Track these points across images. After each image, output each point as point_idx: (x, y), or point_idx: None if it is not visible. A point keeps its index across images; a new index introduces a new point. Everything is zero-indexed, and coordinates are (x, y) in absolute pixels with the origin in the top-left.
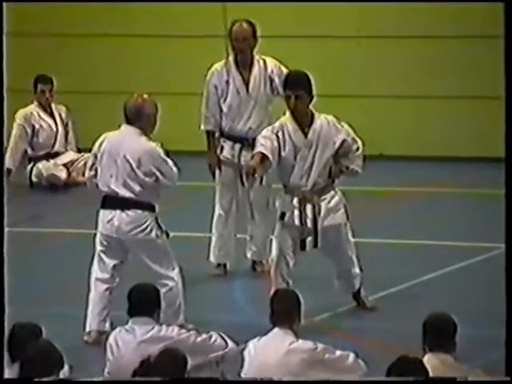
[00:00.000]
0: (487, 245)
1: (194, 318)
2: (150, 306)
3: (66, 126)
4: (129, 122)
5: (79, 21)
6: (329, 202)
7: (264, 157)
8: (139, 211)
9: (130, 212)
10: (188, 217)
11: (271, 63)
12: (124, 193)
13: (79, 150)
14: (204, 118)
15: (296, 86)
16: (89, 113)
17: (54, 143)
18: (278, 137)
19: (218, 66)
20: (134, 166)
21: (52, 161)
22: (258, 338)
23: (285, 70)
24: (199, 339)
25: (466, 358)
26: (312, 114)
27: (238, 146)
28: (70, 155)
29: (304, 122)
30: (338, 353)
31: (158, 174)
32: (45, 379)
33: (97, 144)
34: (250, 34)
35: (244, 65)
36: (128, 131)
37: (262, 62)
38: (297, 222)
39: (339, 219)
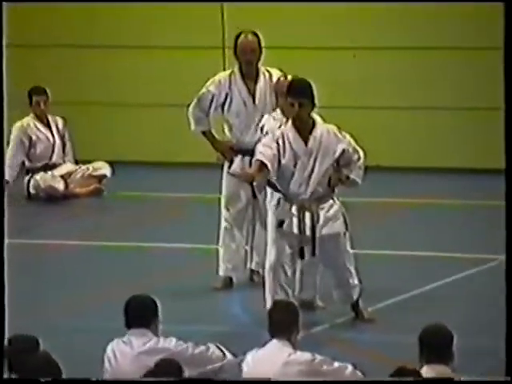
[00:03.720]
0: (485, 256)
1: (190, 329)
2: (147, 317)
3: (63, 137)
4: None
5: (81, 32)
6: (327, 210)
7: (263, 165)
8: None
9: None
10: (189, 228)
11: (276, 75)
12: None
13: (76, 162)
14: (196, 119)
15: (299, 94)
16: (85, 124)
17: (52, 154)
18: (278, 144)
19: (221, 76)
20: None
21: (50, 172)
22: (255, 349)
23: None
24: (197, 351)
25: (464, 369)
26: (313, 122)
27: (247, 159)
28: (68, 167)
29: (305, 129)
30: (336, 364)
31: None
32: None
33: None
34: (256, 46)
35: (250, 76)
36: None
37: (267, 74)
38: (295, 230)
39: (338, 228)
